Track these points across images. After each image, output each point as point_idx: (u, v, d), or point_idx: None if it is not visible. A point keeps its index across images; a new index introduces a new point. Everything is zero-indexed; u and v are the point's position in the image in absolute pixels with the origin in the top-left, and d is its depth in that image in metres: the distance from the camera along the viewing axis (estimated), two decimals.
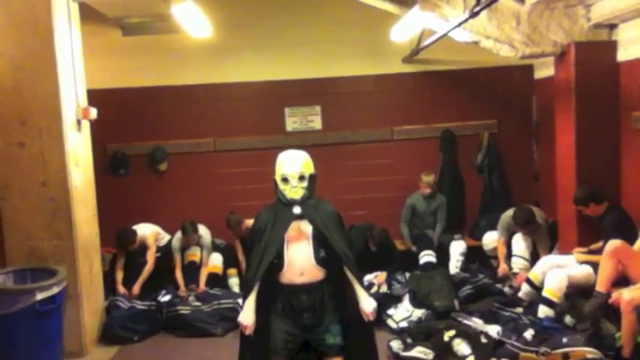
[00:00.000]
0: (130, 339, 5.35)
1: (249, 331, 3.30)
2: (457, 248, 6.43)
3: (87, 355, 5.06)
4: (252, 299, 3.33)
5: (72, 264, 4.95)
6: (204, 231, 6.51)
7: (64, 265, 4.86)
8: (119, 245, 6.17)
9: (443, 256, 6.46)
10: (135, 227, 6.34)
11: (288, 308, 3.30)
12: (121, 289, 6.01)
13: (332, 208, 3.43)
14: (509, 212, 6.06)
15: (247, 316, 3.32)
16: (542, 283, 5.14)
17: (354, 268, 3.38)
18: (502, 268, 5.98)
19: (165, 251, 6.42)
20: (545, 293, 4.94)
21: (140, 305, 5.68)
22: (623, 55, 5.29)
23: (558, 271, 4.99)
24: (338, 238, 3.34)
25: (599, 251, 5.09)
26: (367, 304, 3.36)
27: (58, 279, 4.66)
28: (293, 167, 3.32)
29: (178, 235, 6.36)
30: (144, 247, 6.27)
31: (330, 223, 3.36)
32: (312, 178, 3.37)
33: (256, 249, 3.34)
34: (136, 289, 6.04)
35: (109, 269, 6.20)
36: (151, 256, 6.24)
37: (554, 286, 4.91)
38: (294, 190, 3.30)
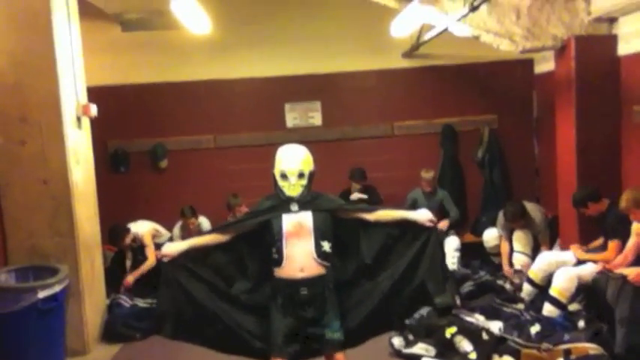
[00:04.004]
0: (132, 337, 5.32)
1: (159, 256, 3.31)
2: (451, 245, 6.34)
3: (89, 353, 5.05)
4: (192, 241, 3.37)
5: (73, 262, 4.93)
6: (204, 220, 6.58)
7: (66, 263, 4.85)
8: (111, 241, 6.18)
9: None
10: (132, 224, 6.32)
11: (289, 302, 3.25)
12: (130, 278, 5.98)
13: (333, 196, 3.52)
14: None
15: (172, 246, 3.33)
16: (543, 280, 5.11)
17: (381, 207, 3.58)
18: (506, 269, 5.86)
19: None
20: (552, 292, 4.83)
21: (142, 303, 5.68)
22: (623, 48, 5.28)
23: (568, 271, 4.84)
24: (348, 204, 3.45)
25: (599, 249, 5.06)
26: (421, 215, 3.39)
27: (60, 277, 4.65)
28: (292, 164, 3.30)
29: (179, 223, 6.46)
30: (144, 245, 6.24)
31: (336, 201, 3.51)
32: (311, 175, 3.35)
33: (242, 217, 3.43)
34: (131, 279, 5.96)
35: (111, 267, 6.19)
36: (150, 254, 6.20)
37: (562, 286, 4.78)
38: (293, 188, 3.29)
